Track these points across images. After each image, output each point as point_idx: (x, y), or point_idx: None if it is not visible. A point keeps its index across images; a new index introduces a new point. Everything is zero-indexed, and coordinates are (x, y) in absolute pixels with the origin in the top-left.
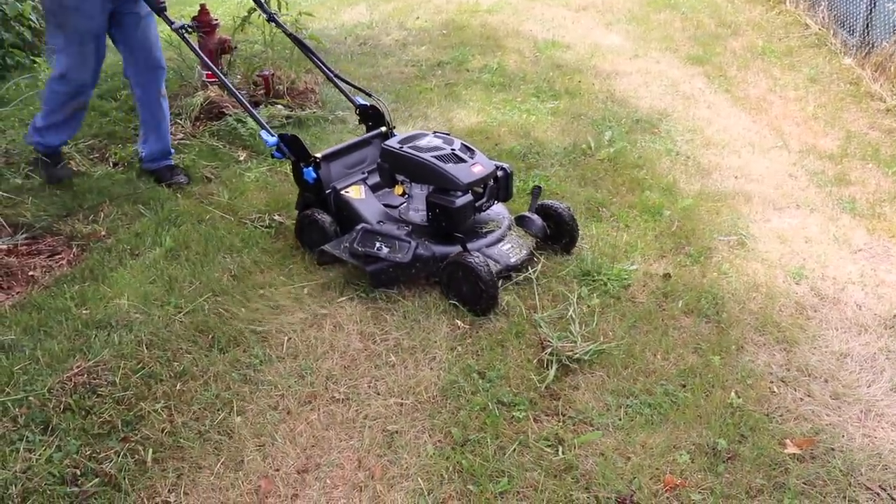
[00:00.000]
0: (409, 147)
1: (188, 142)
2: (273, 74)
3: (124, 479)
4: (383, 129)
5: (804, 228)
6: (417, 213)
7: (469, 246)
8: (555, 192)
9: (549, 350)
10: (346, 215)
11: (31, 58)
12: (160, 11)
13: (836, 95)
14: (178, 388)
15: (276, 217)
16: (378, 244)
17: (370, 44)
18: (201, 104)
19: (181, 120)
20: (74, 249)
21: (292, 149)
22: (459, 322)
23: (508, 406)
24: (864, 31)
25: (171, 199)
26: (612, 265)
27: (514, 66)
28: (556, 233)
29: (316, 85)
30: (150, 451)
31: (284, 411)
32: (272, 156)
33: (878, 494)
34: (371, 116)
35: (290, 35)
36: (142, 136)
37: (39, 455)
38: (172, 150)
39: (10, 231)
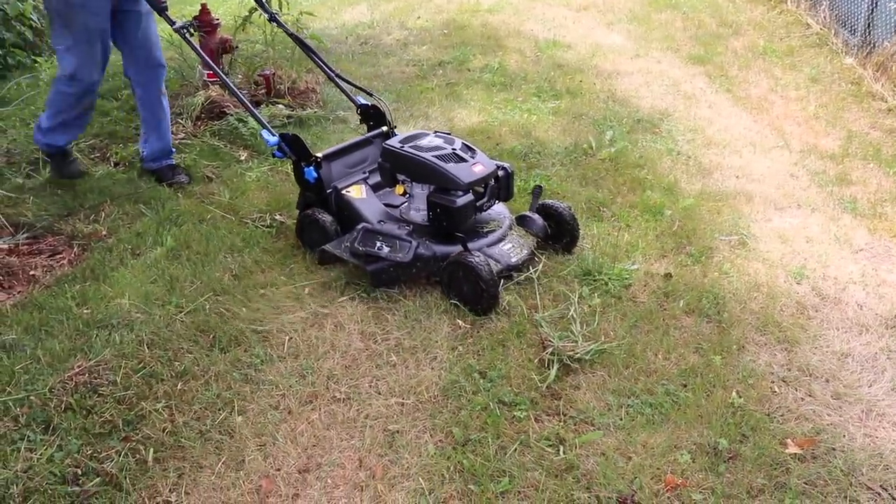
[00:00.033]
0: (410, 146)
1: (189, 141)
2: (274, 74)
3: (125, 478)
4: (384, 128)
5: (805, 228)
6: (418, 212)
7: (470, 245)
8: (556, 191)
9: (550, 350)
10: (347, 215)
11: (32, 57)
12: (162, 11)
13: (837, 95)
14: (179, 387)
15: (277, 217)
16: (379, 244)
17: (371, 43)
18: (202, 104)
19: (182, 119)
20: (75, 249)
21: (293, 148)
22: (460, 322)
23: (509, 406)
24: (865, 30)
25: (172, 199)
26: (614, 265)
27: (516, 66)
28: (557, 232)
29: (317, 84)
30: (151, 450)
31: (285, 411)
32: (273, 155)
33: (878, 494)
34: (372, 116)
35: (291, 35)
36: (143, 135)
37: (41, 454)
38: (173, 150)
39: (11, 230)
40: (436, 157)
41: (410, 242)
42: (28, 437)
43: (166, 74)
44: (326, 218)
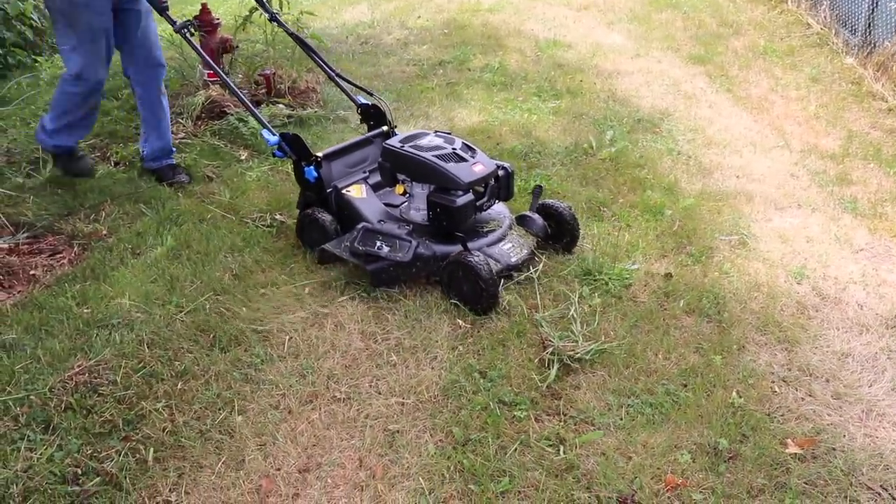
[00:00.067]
0: (410, 146)
1: (190, 141)
2: (274, 73)
3: (125, 478)
4: (384, 128)
5: (806, 228)
6: (418, 212)
7: (470, 245)
8: (556, 191)
9: (550, 349)
10: (347, 214)
11: (33, 57)
12: (163, 11)
13: (837, 95)
14: (179, 387)
15: (278, 216)
16: (379, 243)
17: (371, 43)
18: (203, 103)
19: (183, 119)
20: (76, 248)
21: (293, 148)
22: (461, 321)
23: (510, 405)
24: (865, 30)
25: (172, 199)
26: (614, 265)
27: (516, 66)
28: (557, 232)
29: (317, 84)
30: (152, 450)
31: (286, 410)
32: (273, 155)
33: (879, 494)
34: (372, 115)
35: (291, 34)
36: (143, 134)
37: (41, 454)
38: (174, 149)
39: (11, 230)
40: (436, 156)
41: (410, 242)
42: (28, 436)
43: (166, 74)
44: (326, 217)
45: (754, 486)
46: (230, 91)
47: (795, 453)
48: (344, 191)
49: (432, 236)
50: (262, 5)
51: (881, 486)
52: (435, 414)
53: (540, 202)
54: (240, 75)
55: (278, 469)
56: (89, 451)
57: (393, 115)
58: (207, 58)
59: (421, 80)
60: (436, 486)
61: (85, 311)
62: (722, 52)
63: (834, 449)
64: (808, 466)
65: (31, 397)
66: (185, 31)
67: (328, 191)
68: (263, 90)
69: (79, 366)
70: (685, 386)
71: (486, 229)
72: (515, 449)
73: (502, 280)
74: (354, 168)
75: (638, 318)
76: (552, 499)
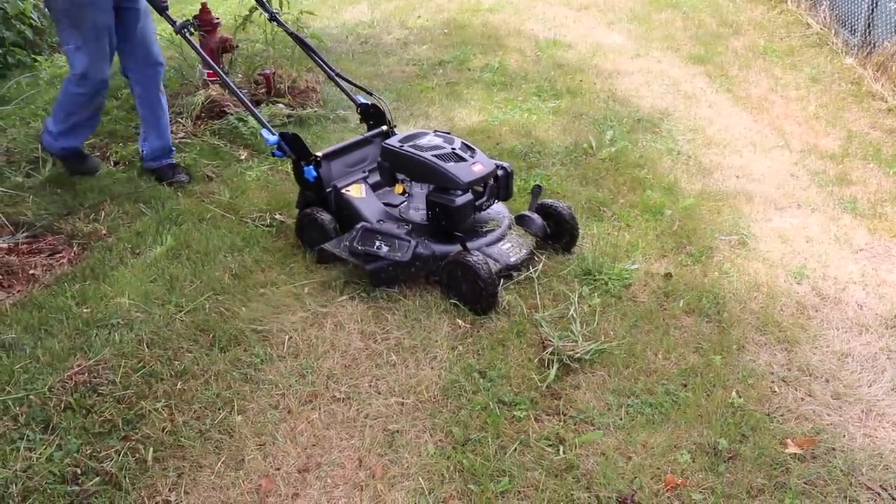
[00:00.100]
0: (409, 146)
1: (189, 140)
2: (274, 73)
3: (125, 477)
4: (384, 127)
5: (805, 228)
6: (417, 211)
7: (469, 245)
8: (556, 191)
9: (550, 349)
10: (347, 214)
11: (33, 56)
12: (162, 11)
13: (837, 95)
14: (178, 386)
15: (277, 216)
16: (378, 243)
17: (371, 43)
18: (202, 103)
19: (182, 118)
20: (75, 248)
21: (293, 147)
22: (460, 321)
23: (509, 405)
24: (865, 30)
25: (172, 198)
26: (614, 264)
27: (516, 66)
28: (557, 232)
29: (317, 84)
30: (151, 449)
31: (285, 410)
32: (273, 154)
33: (878, 494)
34: (372, 115)
35: (291, 34)
36: (142, 134)
37: (40, 454)
38: (174, 148)
39: (10, 229)
40: (435, 156)
41: (409, 242)
42: (27, 436)
43: (165, 73)
44: (326, 217)
45: (754, 486)
46: (230, 91)
47: (795, 453)
48: (343, 190)
49: (431, 236)
50: (262, 5)
51: (881, 486)
52: (435, 414)
53: (539, 202)
54: (239, 75)
55: (278, 469)
56: (89, 451)
57: (392, 115)
58: (207, 57)
59: (421, 80)
60: (435, 486)
61: (84, 310)
62: (722, 52)
63: (833, 449)
64: (807, 466)
65: (31, 397)
66: (185, 30)
67: (327, 190)
68: (263, 90)
69: (78, 365)
70: (685, 386)
71: (485, 229)
72: (515, 449)
73: (502, 280)
74: (354, 168)
75: (638, 318)
76: (552, 499)
